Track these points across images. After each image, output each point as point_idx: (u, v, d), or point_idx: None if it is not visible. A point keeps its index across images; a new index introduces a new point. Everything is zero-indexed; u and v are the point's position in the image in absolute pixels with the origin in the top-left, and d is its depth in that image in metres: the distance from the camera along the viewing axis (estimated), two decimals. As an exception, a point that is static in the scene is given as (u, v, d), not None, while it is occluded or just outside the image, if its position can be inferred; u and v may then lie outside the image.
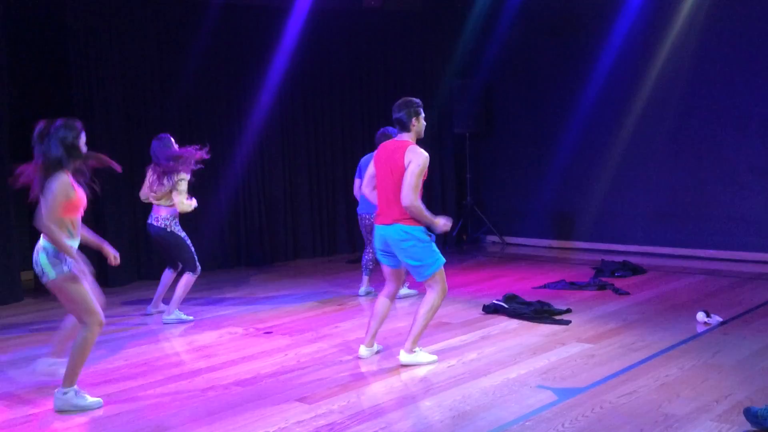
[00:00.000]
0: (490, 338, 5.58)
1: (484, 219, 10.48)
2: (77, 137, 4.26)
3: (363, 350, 5.18)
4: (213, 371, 4.95)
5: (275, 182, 9.60)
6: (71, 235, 4.23)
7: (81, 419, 4.15)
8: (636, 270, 7.97)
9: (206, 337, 5.85)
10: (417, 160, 4.85)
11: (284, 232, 9.72)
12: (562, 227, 10.06)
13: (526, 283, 7.54)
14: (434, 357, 5.01)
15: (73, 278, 4.18)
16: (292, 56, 9.28)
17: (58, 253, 4.15)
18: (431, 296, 4.91)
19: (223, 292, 7.67)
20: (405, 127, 5.18)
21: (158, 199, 6.30)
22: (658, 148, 9.14)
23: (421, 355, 4.98)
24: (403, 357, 4.95)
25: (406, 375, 4.74)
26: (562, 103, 9.79)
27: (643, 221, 9.35)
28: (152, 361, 5.22)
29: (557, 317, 6.07)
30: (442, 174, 10.70)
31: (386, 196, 4.93)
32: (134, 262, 8.40)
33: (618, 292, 6.99)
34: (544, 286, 7.36)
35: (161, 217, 6.28)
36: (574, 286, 7.31)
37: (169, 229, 6.30)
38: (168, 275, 6.61)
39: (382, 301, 5.15)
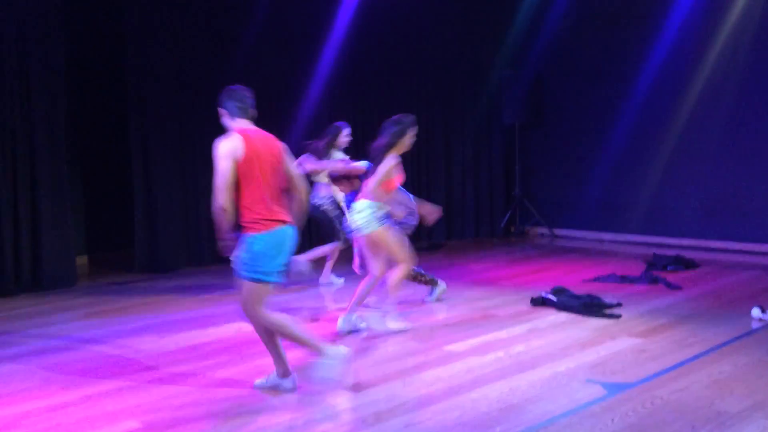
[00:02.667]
0: (538, 331, 5.53)
1: (533, 211, 10.37)
2: (405, 130, 5.44)
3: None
4: (260, 358, 4.99)
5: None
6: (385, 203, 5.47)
7: (125, 403, 4.23)
8: (689, 264, 7.80)
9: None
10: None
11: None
12: (612, 219, 9.90)
13: (575, 276, 7.44)
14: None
15: (388, 229, 5.40)
16: (341, 46, 9.29)
17: (378, 211, 5.33)
18: None
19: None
20: None
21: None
22: (712, 139, 8.92)
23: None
24: None
25: (453, 366, 4.72)
26: (613, 94, 9.62)
27: (696, 214, 9.15)
28: (201, 346, 5.29)
29: (607, 311, 5.98)
30: (490, 165, 10.62)
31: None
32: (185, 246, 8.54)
33: (670, 286, 6.86)
34: (594, 280, 7.25)
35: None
36: (625, 279, 7.19)
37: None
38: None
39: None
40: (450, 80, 10.35)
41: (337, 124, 7.32)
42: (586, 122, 10.07)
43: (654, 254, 8.23)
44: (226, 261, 8.18)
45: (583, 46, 9.99)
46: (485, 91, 10.34)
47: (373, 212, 5.42)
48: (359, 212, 5.46)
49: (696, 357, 4.77)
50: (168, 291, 7.30)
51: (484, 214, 10.73)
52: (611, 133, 9.66)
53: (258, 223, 4.15)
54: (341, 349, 4.31)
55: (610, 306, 6.10)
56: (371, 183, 5.44)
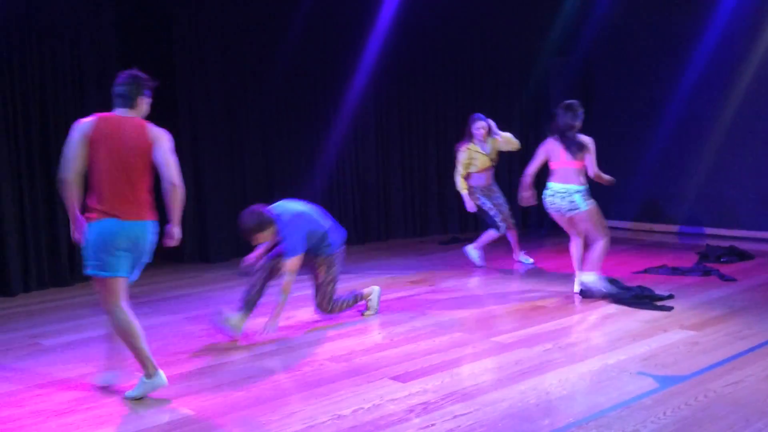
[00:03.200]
0: (588, 323, 5.46)
1: (582, 201, 10.22)
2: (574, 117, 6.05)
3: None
4: (308, 347, 5.04)
5: (368, 164, 9.65)
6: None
7: (172, 391, 4.30)
8: (743, 255, 7.62)
9: (303, 313, 5.95)
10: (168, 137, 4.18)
11: (377, 212, 9.78)
12: (663, 210, 9.72)
13: (625, 268, 7.32)
14: None
15: (596, 206, 6.05)
16: (386, 37, 9.28)
17: (587, 192, 5.97)
18: None
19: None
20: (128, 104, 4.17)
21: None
22: (765, 128, 8.68)
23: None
24: None
25: (501, 358, 4.69)
26: (663, 83, 9.43)
27: (750, 205, 8.93)
28: (252, 335, 5.35)
29: (658, 303, 5.87)
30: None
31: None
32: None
33: (724, 278, 6.71)
34: (645, 271, 7.13)
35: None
36: (677, 271, 7.05)
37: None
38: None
39: None
40: (497, 68, 10.25)
41: (473, 115, 7.63)
42: (635, 110, 9.89)
43: (707, 245, 8.05)
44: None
45: (633, 34, 9.81)
46: (533, 78, 10.22)
47: (585, 191, 5.99)
48: (576, 193, 6.00)
49: (750, 350, 4.65)
50: (214, 281, 7.40)
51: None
52: (661, 123, 9.48)
53: (91, 211, 4.00)
54: (163, 380, 4.16)
55: (662, 298, 5.99)
56: (592, 166, 6.06)
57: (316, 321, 5.74)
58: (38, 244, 7.22)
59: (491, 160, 7.59)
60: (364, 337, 5.23)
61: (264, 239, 5.30)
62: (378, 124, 9.69)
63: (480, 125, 7.51)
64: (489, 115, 9.57)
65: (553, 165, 6.16)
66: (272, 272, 5.41)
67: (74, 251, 7.42)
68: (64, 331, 5.69)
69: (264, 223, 5.21)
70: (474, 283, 6.99)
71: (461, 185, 7.49)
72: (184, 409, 3.99)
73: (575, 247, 6.35)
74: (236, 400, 4.10)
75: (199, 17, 8.34)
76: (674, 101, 9.31)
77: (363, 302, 5.84)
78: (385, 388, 4.18)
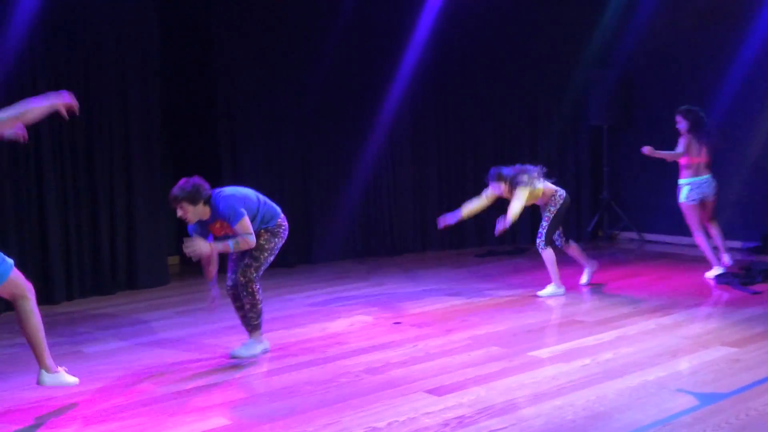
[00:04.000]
0: (627, 338, 5.38)
1: (621, 214, 10.11)
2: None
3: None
4: (344, 358, 5.05)
5: (404, 174, 9.66)
6: None
7: (208, 401, 4.34)
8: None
9: (338, 325, 5.98)
10: None
11: (413, 223, 9.77)
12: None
13: (667, 283, 7.22)
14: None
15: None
16: (424, 48, 9.29)
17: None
18: None
19: (354, 281, 7.81)
20: None
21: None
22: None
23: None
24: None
25: (537, 373, 4.65)
26: (705, 95, 9.26)
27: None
28: (287, 346, 5.38)
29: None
30: (577, 168, 10.40)
31: None
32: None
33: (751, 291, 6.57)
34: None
35: None
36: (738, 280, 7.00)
37: None
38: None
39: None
40: (533, 80, 10.20)
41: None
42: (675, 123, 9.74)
43: (752, 262, 7.89)
44: (312, 261, 8.44)
45: (674, 45, 9.68)
46: (571, 90, 10.14)
47: None
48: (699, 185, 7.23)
49: (795, 369, 4.55)
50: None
51: (569, 217, 10.51)
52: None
53: None
54: (66, 378, 4.23)
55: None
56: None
57: (351, 332, 5.75)
58: (81, 252, 7.36)
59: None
60: (399, 350, 5.22)
61: (193, 214, 4.83)
62: (414, 135, 9.69)
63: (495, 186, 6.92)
64: (528, 127, 9.54)
65: (694, 159, 7.23)
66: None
67: (116, 260, 7.56)
68: (106, 339, 5.79)
69: (200, 195, 4.80)
70: (511, 297, 6.94)
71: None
72: (221, 419, 4.03)
73: (704, 239, 7.32)
74: (272, 411, 4.13)
75: (238, 27, 8.44)
76: (715, 113, 9.16)
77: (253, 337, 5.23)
78: (420, 401, 4.18)
